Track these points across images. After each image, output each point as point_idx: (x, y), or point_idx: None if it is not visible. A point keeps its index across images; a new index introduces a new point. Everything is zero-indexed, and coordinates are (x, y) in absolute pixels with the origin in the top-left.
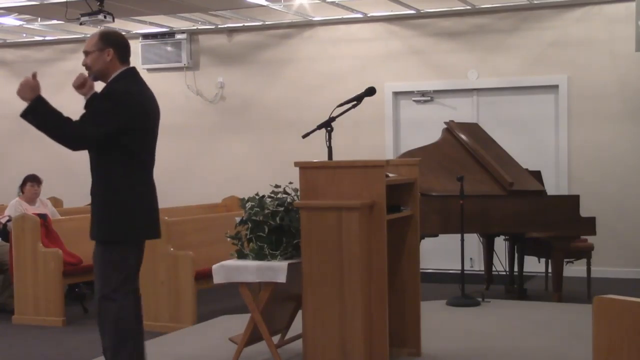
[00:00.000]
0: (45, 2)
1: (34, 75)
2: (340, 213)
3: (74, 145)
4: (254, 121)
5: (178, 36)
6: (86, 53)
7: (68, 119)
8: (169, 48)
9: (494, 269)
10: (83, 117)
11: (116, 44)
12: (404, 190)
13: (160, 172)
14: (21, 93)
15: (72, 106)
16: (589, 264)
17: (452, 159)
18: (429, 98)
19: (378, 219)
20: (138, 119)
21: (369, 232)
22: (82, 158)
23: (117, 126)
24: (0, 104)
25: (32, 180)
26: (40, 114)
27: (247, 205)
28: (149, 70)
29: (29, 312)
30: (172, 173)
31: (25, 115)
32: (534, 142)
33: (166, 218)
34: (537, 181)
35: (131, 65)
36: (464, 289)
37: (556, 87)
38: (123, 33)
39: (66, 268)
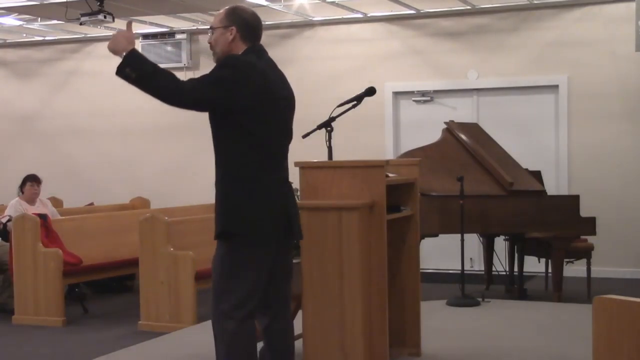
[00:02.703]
0: (45, 2)
1: (129, 26)
2: (340, 213)
3: (172, 99)
4: None
5: (178, 36)
6: (212, 30)
7: (169, 72)
8: (169, 48)
9: (494, 269)
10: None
11: (243, 22)
12: (404, 190)
13: (161, 172)
14: (114, 45)
15: (72, 106)
16: (589, 264)
17: (452, 159)
18: (429, 98)
19: (378, 219)
20: (257, 95)
21: (369, 232)
22: (83, 158)
23: (229, 96)
24: (0, 104)
25: (32, 180)
26: (138, 64)
27: None
28: None
29: (29, 312)
30: (172, 172)
31: (122, 68)
32: (534, 142)
33: (166, 218)
34: (537, 181)
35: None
36: (464, 289)
37: (556, 87)
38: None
39: (66, 268)
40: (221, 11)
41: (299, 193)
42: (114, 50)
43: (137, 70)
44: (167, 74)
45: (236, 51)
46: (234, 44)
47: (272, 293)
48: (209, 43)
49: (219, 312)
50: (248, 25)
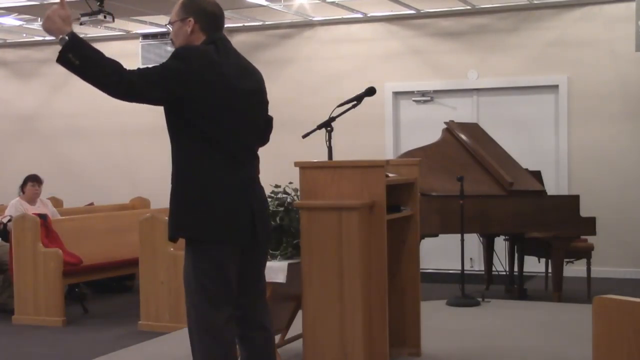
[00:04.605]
0: (45, 2)
1: (63, 2)
2: (340, 213)
3: (116, 90)
4: None
5: None
6: (171, 25)
7: (113, 60)
8: (169, 48)
9: (494, 269)
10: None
11: (201, 12)
12: (404, 190)
13: (161, 172)
14: (49, 24)
15: (72, 106)
16: (589, 264)
17: (452, 159)
18: (429, 98)
19: (378, 219)
20: (208, 89)
21: (369, 232)
22: (83, 158)
23: (175, 89)
24: (0, 104)
25: (33, 180)
26: (80, 49)
27: None
28: None
29: (29, 312)
30: None
31: (64, 54)
32: (534, 142)
33: (166, 218)
34: (537, 181)
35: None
36: (464, 289)
37: (556, 87)
38: (123, 33)
39: (66, 268)
40: (178, 3)
41: (298, 193)
42: (48, 30)
43: (79, 56)
44: (112, 62)
45: (196, 43)
46: (193, 36)
47: (242, 298)
48: (170, 39)
49: (195, 321)
50: (207, 15)
